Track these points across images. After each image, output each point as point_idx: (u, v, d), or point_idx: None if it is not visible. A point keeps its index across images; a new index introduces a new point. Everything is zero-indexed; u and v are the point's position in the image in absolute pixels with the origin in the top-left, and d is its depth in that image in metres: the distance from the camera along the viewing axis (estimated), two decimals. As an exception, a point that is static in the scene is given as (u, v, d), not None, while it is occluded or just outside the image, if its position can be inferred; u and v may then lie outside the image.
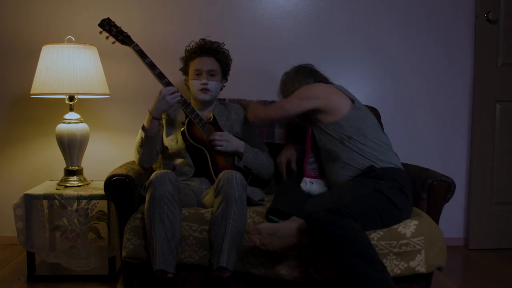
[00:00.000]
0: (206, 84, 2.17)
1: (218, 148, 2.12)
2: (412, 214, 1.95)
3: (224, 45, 2.29)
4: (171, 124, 2.23)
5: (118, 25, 2.13)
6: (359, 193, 1.79)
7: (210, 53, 2.22)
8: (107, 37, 2.12)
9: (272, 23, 2.76)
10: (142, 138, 2.10)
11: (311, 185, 2.10)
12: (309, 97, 2.00)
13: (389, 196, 1.80)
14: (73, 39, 2.43)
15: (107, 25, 2.11)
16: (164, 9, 2.72)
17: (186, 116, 2.13)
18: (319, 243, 1.81)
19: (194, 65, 2.21)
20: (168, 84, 2.09)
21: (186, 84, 2.30)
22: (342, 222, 1.65)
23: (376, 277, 1.63)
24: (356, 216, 1.69)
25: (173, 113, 2.25)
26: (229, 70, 2.33)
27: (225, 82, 2.34)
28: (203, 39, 2.25)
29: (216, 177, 2.02)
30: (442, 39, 2.81)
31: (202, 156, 2.14)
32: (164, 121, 2.23)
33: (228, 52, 2.30)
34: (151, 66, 2.10)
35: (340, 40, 2.78)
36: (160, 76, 2.10)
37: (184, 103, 2.11)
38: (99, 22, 2.10)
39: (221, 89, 2.31)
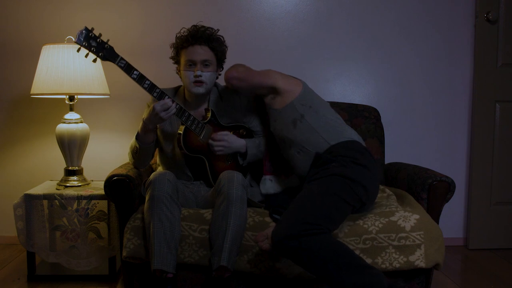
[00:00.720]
0: (200, 76, 2.01)
1: (218, 153, 2.05)
2: (394, 197, 1.97)
3: (218, 31, 2.10)
4: (168, 128, 2.12)
5: (98, 35, 1.86)
6: (317, 194, 1.71)
7: (203, 42, 2.02)
8: (86, 55, 1.87)
9: (271, 23, 2.76)
10: (137, 147, 2.01)
11: (270, 182, 2.11)
12: (268, 76, 2.00)
13: (342, 173, 1.74)
14: (73, 39, 2.41)
15: (85, 40, 1.82)
16: (164, 9, 2.71)
17: (182, 123, 2.01)
18: None
19: (186, 55, 2.03)
20: (160, 95, 1.92)
21: (178, 73, 2.14)
22: (312, 243, 1.57)
23: (368, 282, 1.56)
24: (324, 222, 1.62)
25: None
26: (225, 58, 2.14)
27: (221, 70, 2.17)
28: (195, 25, 2.06)
29: (215, 182, 1.97)
30: (442, 39, 2.81)
31: (200, 163, 2.08)
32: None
33: (223, 38, 2.12)
34: (140, 79, 1.90)
35: (340, 40, 2.78)
36: (150, 88, 1.91)
37: (179, 111, 1.96)
38: (75, 38, 1.83)
39: (217, 78, 2.16)
